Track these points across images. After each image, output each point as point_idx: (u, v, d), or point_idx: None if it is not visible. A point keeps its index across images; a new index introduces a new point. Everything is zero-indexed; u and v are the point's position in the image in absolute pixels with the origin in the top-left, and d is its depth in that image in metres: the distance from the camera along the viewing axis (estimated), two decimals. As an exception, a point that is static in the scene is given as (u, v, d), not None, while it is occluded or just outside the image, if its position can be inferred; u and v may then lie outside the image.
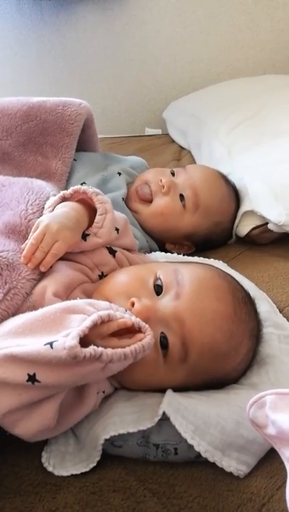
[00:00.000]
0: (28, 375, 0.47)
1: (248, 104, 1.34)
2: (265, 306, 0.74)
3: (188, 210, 0.94)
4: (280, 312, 0.77)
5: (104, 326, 0.51)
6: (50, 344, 0.46)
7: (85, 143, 0.99)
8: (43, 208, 0.70)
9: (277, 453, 0.48)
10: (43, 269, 0.62)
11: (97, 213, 0.67)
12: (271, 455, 0.56)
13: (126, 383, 0.60)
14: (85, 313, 0.51)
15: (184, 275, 0.60)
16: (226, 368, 0.59)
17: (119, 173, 0.97)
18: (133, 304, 0.57)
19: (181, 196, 0.94)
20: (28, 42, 1.72)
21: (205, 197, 0.95)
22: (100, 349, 0.48)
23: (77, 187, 0.70)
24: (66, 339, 0.46)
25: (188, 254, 0.91)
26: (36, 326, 0.50)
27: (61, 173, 0.89)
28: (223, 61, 1.80)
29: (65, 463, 0.55)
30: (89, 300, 0.54)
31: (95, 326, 0.50)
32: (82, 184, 0.88)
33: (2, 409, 0.49)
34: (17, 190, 0.73)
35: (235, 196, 1.03)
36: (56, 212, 0.66)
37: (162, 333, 0.57)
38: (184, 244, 0.97)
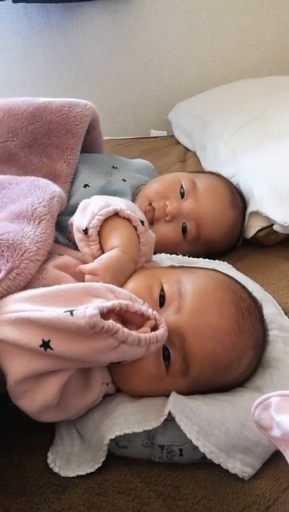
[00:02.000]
0: (43, 340, 0.47)
1: (253, 106, 1.34)
2: (270, 308, 0.74)
3: (188, 241, 0.92)
4: (286, 314, 0.77)
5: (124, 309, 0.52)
6: (71, 312, 0.47)
7: (90, 144, 0.99)
8: (49, 200, 0.69)
9: (283, 455, 0.47)
10: None
11: (140, 244, 0.67)
12: (276, 457, 0.56)
13: (129, 392, 0.60)
14: (106, 298, 0.52)
15: (187, 286, 0.59)
16: (228, 378, 0.59)
17: (124, 180, 0.96)
18: None
19: (184, 226, 0.91)
20: (35, 45, 1.73)
21: (208, 231, 0.92)
22: (118, 326, 0.49)
23: (133, 218, 0.67)
24: (87, 309, 0.47)
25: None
26: (57, 299, 0.51)
27: (66, 174, 0.89)
28: (229, 63, 1.80)
29: (70, 464, 0.56)
30: (110, 286, 0.55)
31: (112, 312, 0.51)
32: (85, 186, 0.89)
33: (12, 376, 0.49)
34: (24, 187, 0.73)
35: (242, 209, 0.99)
36: (117, 266, 0.62)
37: (164, 345, 0.57)
38: None
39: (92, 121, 0.95)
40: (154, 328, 0.55)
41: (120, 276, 0.62)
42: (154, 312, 0.55)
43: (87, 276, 0.60)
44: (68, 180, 0.89)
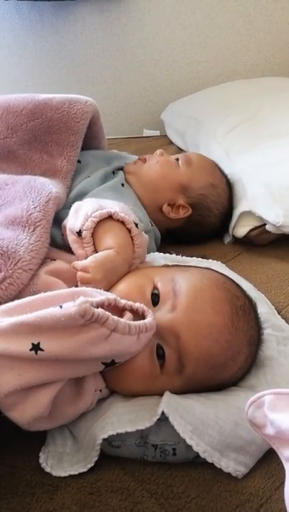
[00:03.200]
0: (32, 344, 0.47)
1: (246, 106, 1.35)
2: (263, 307, 0.74)
3: (182, 165, 1.00)
4: (279, 313, 0.78)
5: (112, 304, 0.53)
6: (60, 306, 0.48)
7: (90, 139, 0.99)
8: (45, 204, 0.69)
9: (276, 453, 0.47)
10: None
11: (135, 246, 0.68)
12: (269, 456, 0.56)
13: (124, 393, 0.59)
14: (93, 297, 0.51)
15: (182, 285, 0.59)
16: (223, 376, 0.59)
17: (122, 168, 0.99)
18: None
19: (176, 160, 1.01)
20: (27, 43, 1.72)
21: (197, 159, 1.03)
22: (107, 314, 0.49)
23: (127, 220, 0.68)
24: (76, 301, 0.48)
25: (187, 255, 0.90)
26: (45, 304, 0.50)
27: (66, 171, 0.88)
28: (222, 63, 1.81)
29: (62, 463, 0.55)
30: (97, 289, 0.55)
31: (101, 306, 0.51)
32: (86, 178, 0.90)
33: (2, 388, 0.48)
34: (20, 189, 0.73)
35: (227, 180, 1.06)
36: (111, 265, 0.63)
37: (158, 344, 0.57)
38: (180, 206, 0.98)
39: (93, 116, 0.95)
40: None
41: (112, 276, 0.62)
42: (142, 305, 0.55)
43: (78, 273, 0.60)
44: (69, 177, 0.89)
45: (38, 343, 0.47)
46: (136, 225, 0.68)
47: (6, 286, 0.57)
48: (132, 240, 0.67)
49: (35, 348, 0.47)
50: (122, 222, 0.67)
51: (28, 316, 0.47)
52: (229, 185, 1.05)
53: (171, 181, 0.97)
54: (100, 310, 0.48)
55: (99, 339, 0.49)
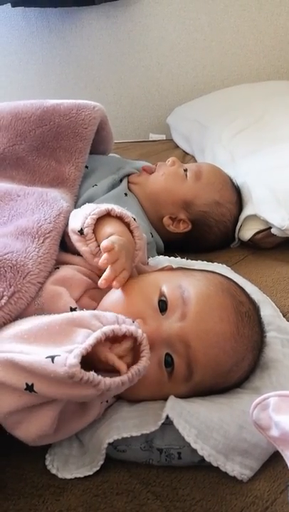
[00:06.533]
0: (27, 384, 0.47)
1: (251, 110, 1.35)
2: (268, 310, 0.75)
3: (190, 179, 0.98)
4: (284, 316, 0.77)
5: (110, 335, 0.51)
6: (52, 358, 0.46)
7: (98, 144, 0.99)
8: (56, 217, 0.69)
9: (281, 456, 0.48)
10: (117, 285, 0.59)
11: (136, 238, 0.68)
12: (274, 459, 0.56)
13: (130, 399, 0.59)
14: (90, 327, 0.51)
15: (190, 292, 0.59)
16: (228, 381, 0.60)
17: (129, 174, 0.99)
18: None
19: (185, 170, 0.99)
20: (34, 49, 1.73)
21: (208, 174, 1.00)
22: (99, 378, 0.48)
23: (125, 214, 0.68)
24: (68, 356, 0.46)
25: (192, 258, 0.91)
26: (42, 334, 0.50)
27: (74, 178, 0.89)
28: (227, 67, 1.81)
29: (68, 466, 0.55)
30: (95, 312, 0.54)
31: (99, 341, 0.50)
32: (93, 186, 0.90)
33: (3, 408, 0.49)
34: (32, 202, 0.73)
35: (238, 198, 1.03)
36: (124, 242, 0.63)
37: (167, 353, 0.57)
38: (181, 220, 0.97)
39: (101, 122, 0.95)
40: (139, 346, 0.53)
41: (129, 255, 0.62)
42: (143, 336, 0.53)
43: (104, 255, 0.59)
44: (76, 184, 0.89)
45: (32, 385, 0.47)
46: (134, 219, 0.69)
47: (15, 301, 0.58)
48: (132, 233, 0.68)
49: (29, 388, 0.47)
50: (121, 218, 0.68)
51: (22, 358, 0.47)
52: (239, 205, 1.03)
53: (174, 196, 0.96)
54: (91, 374, 0.47)
55: (91, 396, 0.49)
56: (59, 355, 0.46)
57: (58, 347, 0.48)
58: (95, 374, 0.48)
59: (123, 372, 0.50)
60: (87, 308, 0.62)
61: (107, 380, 0.48)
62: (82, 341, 0.48)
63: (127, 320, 0.53)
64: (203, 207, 0.97)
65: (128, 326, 0.52)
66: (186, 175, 0.99)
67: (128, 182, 0.99)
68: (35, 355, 0.47)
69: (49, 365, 0.46)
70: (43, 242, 0.65)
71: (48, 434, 0.52)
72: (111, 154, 1.11)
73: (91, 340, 0.48)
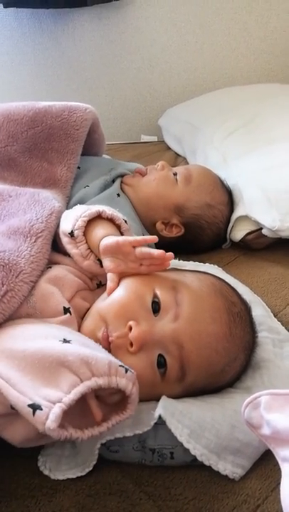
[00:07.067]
0: (11, 406, 0.47)
1: (242, 112, 1.36)
2: (259, 310, 0.75)
3: (180, 182, 0.98)
4: (275, 316, 0.78)
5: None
6: (34, 410, 0.45)
7: (90, 146, 0.99)
8: (48, 216, 0.69)
9: (272, 455, 0.48)
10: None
11: None
12: (266, 457, 0.56)
13: None
14: (78, 375, 0.49)
15: (183, 293, 0.59)
16: (220, 381, 0.60)
17: (122, 175, 1.00)
18: (130, 329, 0.56)
19: (175, 174, 1.00)
20: (26, 50, 1.73)
21: (198, 176, 1.00)
22: (78, 434, 0.48)
23: (116, 217, 0.68)
24: (50, 413, 0.45)
25: (184, 259, 0.91)
26: (33, 365, 0.49)
27: (66, 179, 0.89)
28: (218, 69, 1.82)
29: (61, 466, 0.55)
30: (88, 356, 0.50)
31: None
32: (85, 187, 0.90)
33: None
34: (24, 202, 0.73)
35: (229, 199, 1.04)
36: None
37: (160, 354, 0.57)
38: (173, 225, 0.98)
39: (93, 124, 0.95)
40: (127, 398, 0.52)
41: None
42: (133, 390, 0.51)
43: (138, 249, 0.62)
44: (68, 185, 0.89)
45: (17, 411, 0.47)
46: (125, 221, 0.69)
47: (8, 300, 0.57)
48: (123, 235, 0.68)
49: (13, 408, 0.47)
50: (112, 220, 0.68)
51: (8, 392, 0.47)
52: (231, 206, 1.04)
53: (165, 201, 0.97)
54: (69, 433, 0.47)
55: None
56: (41, 409, 0.45)
57: (43, 386, 0.47)
58: (73, 432, 0.48)
59: (97, 422, 0.50)
60: (80, 309, 0.63)
61: (86, 433, 0.49)
62: (68, 391, 0.47)
63: (120, 370, 0.51)
64: (195, 210, 0.98)
65: (119, 379, 0.50)
66: (176, 179, 0.99)
67: (122, 182, 1.00)
68: (19, 395, 0.47)
69: (29, 416, 0.45)
70: (35, 242, 0.65)
71: (34, 439, 0.52)
72: (103, 155, 1.12)
73: (74, 395, 0.47)
